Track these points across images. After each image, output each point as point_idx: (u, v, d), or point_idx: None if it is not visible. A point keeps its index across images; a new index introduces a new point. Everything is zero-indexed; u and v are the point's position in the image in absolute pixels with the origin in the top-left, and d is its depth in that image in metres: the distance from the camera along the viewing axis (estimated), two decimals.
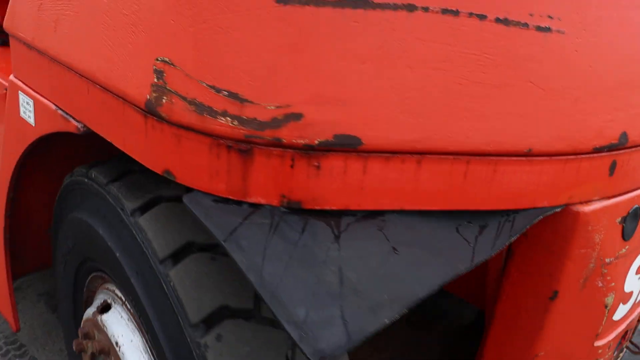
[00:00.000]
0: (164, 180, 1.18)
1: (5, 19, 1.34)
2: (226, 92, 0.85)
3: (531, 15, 0.90)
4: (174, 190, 1.15)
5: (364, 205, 0.92)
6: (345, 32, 0.83)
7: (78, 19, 1.09)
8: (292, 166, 0.87)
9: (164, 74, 0.90)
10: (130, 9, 0.96)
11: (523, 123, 0.92)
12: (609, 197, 1.06)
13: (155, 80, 0.91)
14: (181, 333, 1.00)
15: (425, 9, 0.85)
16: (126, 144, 1.02)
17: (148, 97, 0.93)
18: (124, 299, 1.28)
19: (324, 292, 0.81)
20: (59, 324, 2.21)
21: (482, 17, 0.87)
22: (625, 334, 1.38)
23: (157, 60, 0.91)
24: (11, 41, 1.36)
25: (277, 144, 0.86)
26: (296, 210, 0.90)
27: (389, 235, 0.91)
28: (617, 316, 1.23)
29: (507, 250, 1.17)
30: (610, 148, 1.00)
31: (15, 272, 1.74)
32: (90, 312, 1.36)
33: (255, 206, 0.90)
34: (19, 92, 1.36)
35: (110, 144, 1.08)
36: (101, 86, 1.05)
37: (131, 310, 1.25)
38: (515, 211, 1.00)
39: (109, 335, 1.24)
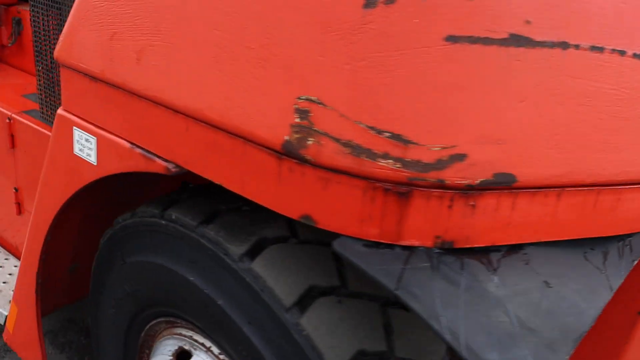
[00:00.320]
0: (260, 220, 1.13)
1: (59, 48, 1.22)
2: (388, 134, 0.82)
3: None
4: (277, 231, 1.10)
5: (508, 240, 0.92)
6: (508, 70, 0.83)
7: (172, 50, 1.01)
8: (450, 207, 0.86)
9: (310, 114, 0.86)
10: (257, 42, 0.90)
11: None
12: None
13: (298, 120, 0.87)
14: None
15: (577, 47, 0.86)
16: (246, 187, 0.96)
17: (287, 138, 0.88)
18: (207, 346, 1.20)
19: (505, 334, 0.81)
20: None
21: (622, 52, 0.90)
22: None
23: (300, 99, 0.86)
24: (64, 73, 1.24)
25: (440, 185, 0.84)
26: (449, 250, 0.89)
27: (537, 268, 0.92)
28: None
29: None
30: None
31: None
32: (162, 358, 1.26)
33: (409, 249, 0.88)
34: (74, 127, 1.24)
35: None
36: (210, 124, 0.98)
37: (219, 357, 1.18)
38: (629, 235, 1.04)
39: None
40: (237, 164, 0.96)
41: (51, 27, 1.60)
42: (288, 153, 0.88)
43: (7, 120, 1.84)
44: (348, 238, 0.89)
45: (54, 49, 1.62)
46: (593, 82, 0.89)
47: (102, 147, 1.19)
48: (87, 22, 1.16)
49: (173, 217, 1.16)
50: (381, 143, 0.83)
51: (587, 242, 1.01)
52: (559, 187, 0.92)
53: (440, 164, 0.83)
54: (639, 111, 0.95)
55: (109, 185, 1.37)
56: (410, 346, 1.02)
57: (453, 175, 0.83)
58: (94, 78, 1.16)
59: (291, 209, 0.92)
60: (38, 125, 1.80)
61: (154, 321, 1.34)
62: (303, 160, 0.88)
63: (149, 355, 1.41)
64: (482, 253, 0.91)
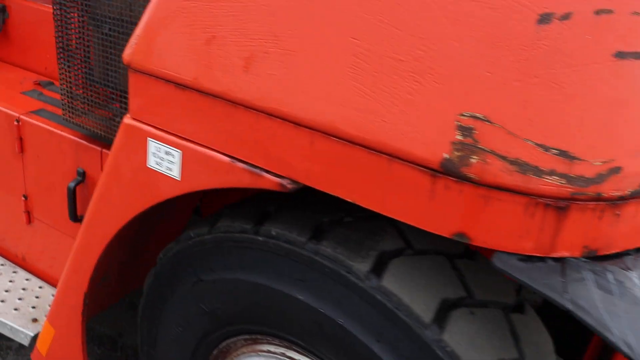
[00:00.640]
0: (369, 231, 1.09)
1: (132, 52, 1.09)
2: (556, 151, 0.82)
3: None
4: (393, 243, 1.07)
5: (636, 244, 0.96)
6: None
7: (293, 57, 0.94)
8: (600, 218, 0.88)
9: (474, 131, 0.83)
10: (409, 54, 0.86)
11: None
12: None
13: (460, 137, 0.84)
14: None
15: None
16: (387, 204, 0.92)
17: (447, 156, 0.85)
18: None
19: None
20: None
21: None
22: None
23: (463, 115, 0.83)
24: (137, 79, 1.11)
25: (597, 198, 0.85)
26: (594, 258, 0.91)
27: None
28: None
29: None
30: None
31: None
32: None
33: (560, 260, 0.89)
34: (148, 139, 1.13)
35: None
36: (344, 139, 0.92)
37: None
38: None
39: None
40: (379, 181, 0.91)
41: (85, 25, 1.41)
42: (447, 171, 0.85)
43: (16, 122, 1.64)
44: (504, 253, 0.88)
45: (86, 47, 1.45)
46: None
47: (189, 161, 1.10)
48: (173, 23, 1.05)
49: (273, 233, 1.09)
50: (548, 160, 0.82)
51: None
52: None
53: (599, 178, 0.84)
54: None
55: None
56: (535, 352, 1.04)
57: (609, 188, 0.85)
58: (181, 86, 1.06)
59: (442, 227, 0.89)
60: (51, 126, 1.62)
61: (234, 338, 1.27)
62: (464, 179, 0.85)
63: None
64: (618, 258, 0.94)
